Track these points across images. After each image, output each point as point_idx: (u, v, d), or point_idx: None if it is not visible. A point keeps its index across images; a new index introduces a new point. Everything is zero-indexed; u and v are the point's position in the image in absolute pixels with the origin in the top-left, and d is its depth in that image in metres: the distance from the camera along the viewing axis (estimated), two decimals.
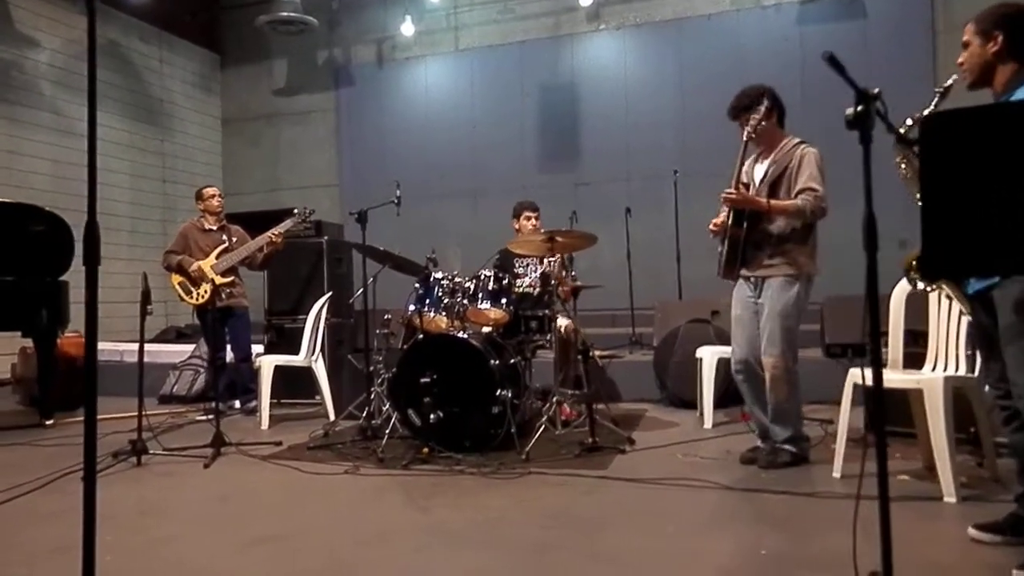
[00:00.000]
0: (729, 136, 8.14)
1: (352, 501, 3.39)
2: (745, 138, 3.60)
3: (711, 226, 3.79)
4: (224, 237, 5.77)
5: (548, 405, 4.51)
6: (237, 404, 5.84)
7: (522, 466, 3.78)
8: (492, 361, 4.13)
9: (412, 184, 5.00)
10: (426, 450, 3.97)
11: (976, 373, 3.18)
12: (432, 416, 4.06)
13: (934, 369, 3.37)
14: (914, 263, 2.66)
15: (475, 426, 4.11)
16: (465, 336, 4.25)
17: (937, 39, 8.07)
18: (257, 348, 6.35)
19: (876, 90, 1.84)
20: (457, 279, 4.47)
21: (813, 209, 3.53)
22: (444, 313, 4.46)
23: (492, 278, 4.46)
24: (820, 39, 8.13)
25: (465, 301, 4.43)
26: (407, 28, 9.42)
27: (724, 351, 4.90)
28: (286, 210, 6.50)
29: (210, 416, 5.45)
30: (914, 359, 3.58)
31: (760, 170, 3.73)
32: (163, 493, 3.61)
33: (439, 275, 4.51)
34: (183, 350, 6.91)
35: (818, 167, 3.58)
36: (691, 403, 5.29)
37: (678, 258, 7.16)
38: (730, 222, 3.62)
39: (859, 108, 1.84)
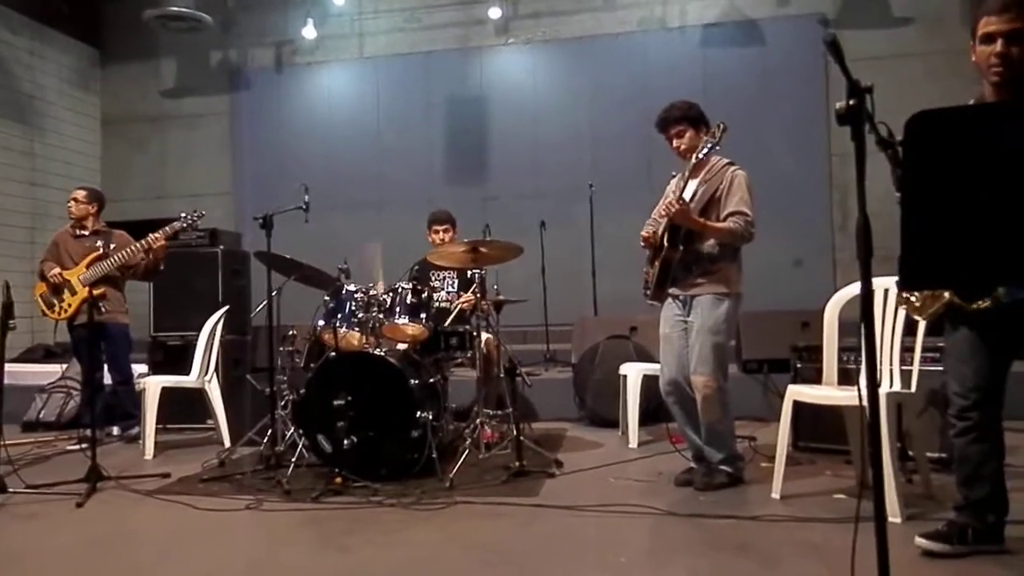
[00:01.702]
0: (638, 154, 8.35)
1: (257, 542, 3.00)
2: (699, 155, 3.45)
3: (643, 235, 3.65)
4: (98, 244, 5.07)
5: (470, 427, 4.23)
6: (116, 431, 5.24)
7: (446, 495, 3.48)
8: (412, 380, 3.82)
9: (313, 193, 4.64)
10: (339, 480, 3.60)
11: (913, 388, 3.15)
12: (346, 442, 3.70)
13: None
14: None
15: (392, 452, 3.78)
16: (382, 354, 3.92)
17: (829, 68, 8.37)
18: (140, 368, 5.76)
19: (869, 83, 1.71)
20: (372, 292, 4.13)
21: (743, 233, 3.45)
22: (358, 329, 4.11)
23: (411, 291, 4.15)
24: (722, 62, 8.33)
25: (381, 316, 4.10)
26: (309, 32, 8.97)
27: (648, 368, 4.78)
28: (172, 219, 5.95)
29: (84, 445, 4.86)
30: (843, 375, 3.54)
31: (689, 189, 3.61)
32: (26, 540, 3.08)
33: (352, 287, 4.17)
34: (51, 371, 6.18)
35: (748, 190, 3.50)
36: (611, 421, 5.14)
37: (593, 274, 7.05)
38: (665, 243, 3.48)
39: (851, 102, 1.69)
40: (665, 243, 3.47)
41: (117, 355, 5.20)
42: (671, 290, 3.59)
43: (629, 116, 8.67)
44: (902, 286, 2.54)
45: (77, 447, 4.84)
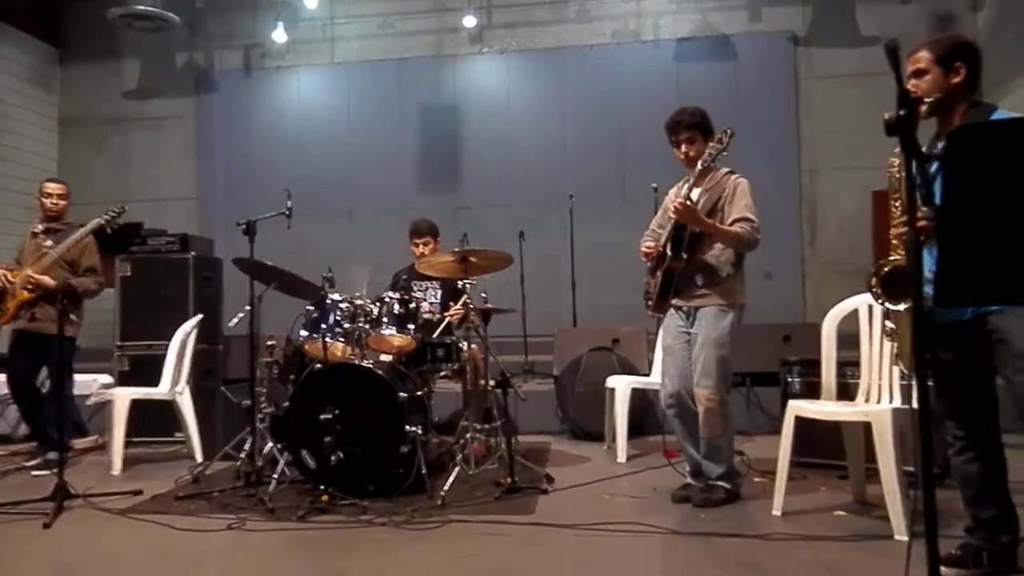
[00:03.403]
0: (612, 165, 8.35)
1: (244, 566, 2.83)
2: (703, 163, 3.41)
3: (644, 249, 3.58)
4: (49, 243, 4.65)
5: (459, 442, 4.11)
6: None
7: (438, 513, 3.36)
8: (400, 393, 3.70)
9: (281, 199, 4.48)
10: (325, 497, 3.45)
11: (914, 403, 3.13)
12: (333, 457, 3.55)
13: (867, 400, 3.30)
14: (876, 280, 2.51)
15: (380, 468, 3.64)
16: (369, 365, 3.78)
17: (800, 84, 8.49)
18: (104, 378, 5.52)
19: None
20: (359, 302, 4.00)
21: (749, 239, 3.41)
22: (343, 339, 3.96)
23: (398, 301, 4.03)
24: (695, 76, 8.37)
25: (367, 326, 3.96)
26: (279, 35, 8.77)
27: (636, 381, 4.73)
28: (135, 224, 5.71)
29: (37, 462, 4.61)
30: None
31: (692, 197, 3.56)
32: None
33: (337, 297, 4.02)
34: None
35: (751, 198, 3.47)
36: (595, 435, 5.07)
37: (573, 285, 7.00)
38: (669, 253, 3.42)
39: (901, 112, 1.65)
40: (668, 252, 3.41)
41: (46, 367, 4.72)
42: (674, 301, 3.53)
43: (603, 127, 8.70)
44: (939, 302, 2.51)
45: (32, 466, 4.57)
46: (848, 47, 8.28)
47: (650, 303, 3.60)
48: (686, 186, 3.52)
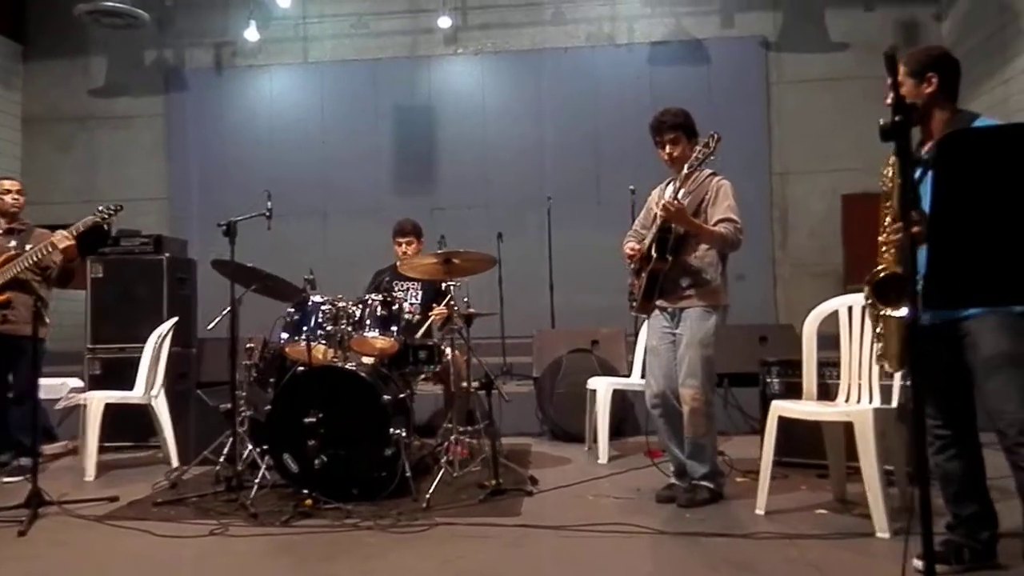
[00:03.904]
0: (587, 166, 8.39)
1: (229, 571, 2.79)
2: (690, 166, 3.42)
3: (628, 250, 3.61)
4: (12, 243, 4.51)
5: (443, 444, 4.09)
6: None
7: (424, 516, 3.34)
8: (384, 396, 3.68)
9: (257, 199, 4.42)
10: (309, 502, 3.41)
11: (894, 403, 3.20)
12: (316, 461, 3.51)
13: (847, 400, 3.36)
14: (868, 290, 2.56)
15: (364, 471, 3.61)
16: (353, 368, 3.76)
17: (771, 88, 8.62)
18: (73, 382, 5.40)
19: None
20: (341, 304, 3.96)
21: (733, 239, 3.45)
22: (325, 342, 3.92)
23: (380, 303, 4.00)
24: (668, 80, 8.45)
25: (350, 328, 3.93)
26: (251, 34, 8.66)
27: (617, 382, 4.76)
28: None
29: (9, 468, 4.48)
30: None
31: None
32: None
33: (319, 299, 3.98)
34: None
35: (734, 199, 3.51)
36: (576, 436, 5.09)
37: (551, 286, 7.02)
38: (654, 254, 3.44)
39: (897, 118, 1.68)
40: (653, 253, 3.43)
41: (15, 369, 4.51)
42: (658, 302, 3.56)
43: (578, 129, 8.74)
44: (928, 304, 2.56)
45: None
46: (818, 52, 8.43)
47: (634, 304, 3.63)
48: (670, 187, 3.55)
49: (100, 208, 4.47)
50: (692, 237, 3.47)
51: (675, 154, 3.53)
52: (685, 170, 3.41)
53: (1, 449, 4.58)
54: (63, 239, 4.35)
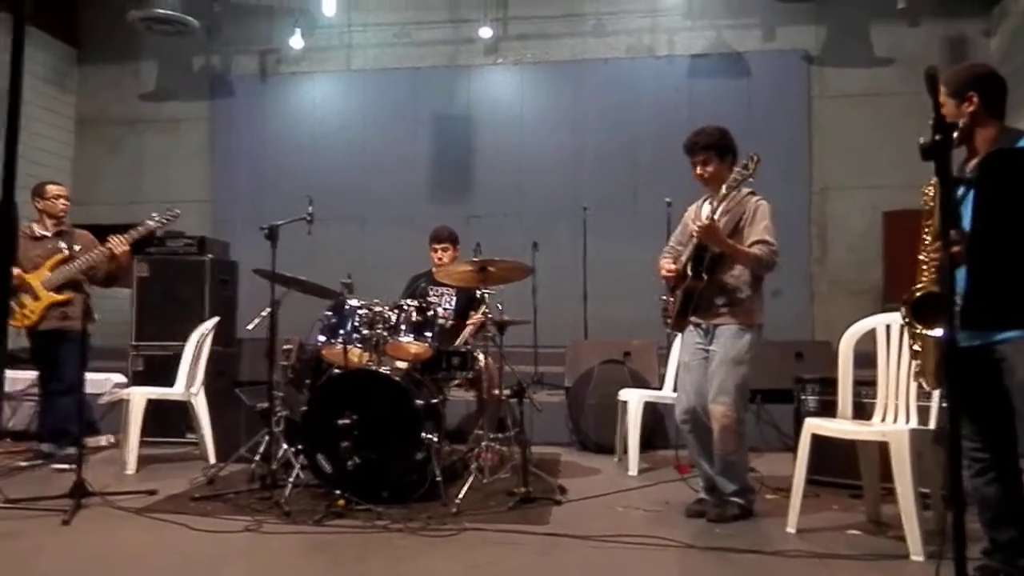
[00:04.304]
0: (624, 178, 8.39)
1: (265, 567, 2.86)
2: (729, 185, 3.41)
3: (664, 271, 3.61)
4: (62, 245, 4.71)
5: (473, 450, 4.13)
6: (45, 448, 4.77)
7: (453, 520, 3.37)
8: (417, 400, 3.73)
9: (296, 205, 4.53)
10: (342, 502, 3.47)
11: (932, 424, 3.16)
12: (349, 462, 3.57)
13: (883, 420, 3.32)
14: (905, 309, 2.54)
15: (395, 474, 3.66)
16: (387, 372, 3.81)
17: (812, 103, 8.54)
18: (117, 377, 5.55)
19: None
20: (377, 308, 4.03)
21: (768, 260, 3.43)
22: (360, 346, 3.99)
23: (416, 309, 4.06)
24: (708, 93, 8.42)
25: (385, 333, 3.99)
26: (296, 41, 8.83)
27: (648, 395, 4.76)
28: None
29: (38, 461, 4.63)
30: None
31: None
32: (10, 562, 2.89)
33: (355, 303, 4.05)
34: (21, 377, 5.88)
35: (771, 220, 3.50)
36: (606, 447, 5.09)
37: (585, 296, 7.03)
38: (689, 273, 3.44)
39: (937, 137, 1.68)
40: (689, 272, 3.43)
41: (66, 364, 4.69)
42: (692, 318, 3.56)
43: (615, 141, 8.75)
44: (966, 325, 2.54)
45: (28, 463, 4.60)
46: (861, 67, 8.33)
47: (669, 321, 3.62)
48: (707, 205, 3.55)
49: (155, 215, 4.67)
50: (728, 256, 3.46)
51: (706, 175, 3.54)
52: (723, 190, 3.40)
53: (44, 439, 4.75)
54: (119, 244, 4.54)
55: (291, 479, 3.72)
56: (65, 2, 9.20)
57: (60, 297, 4.60)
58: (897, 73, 8.13)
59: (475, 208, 8.74)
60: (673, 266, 3.58)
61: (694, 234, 3.43)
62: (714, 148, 3.52)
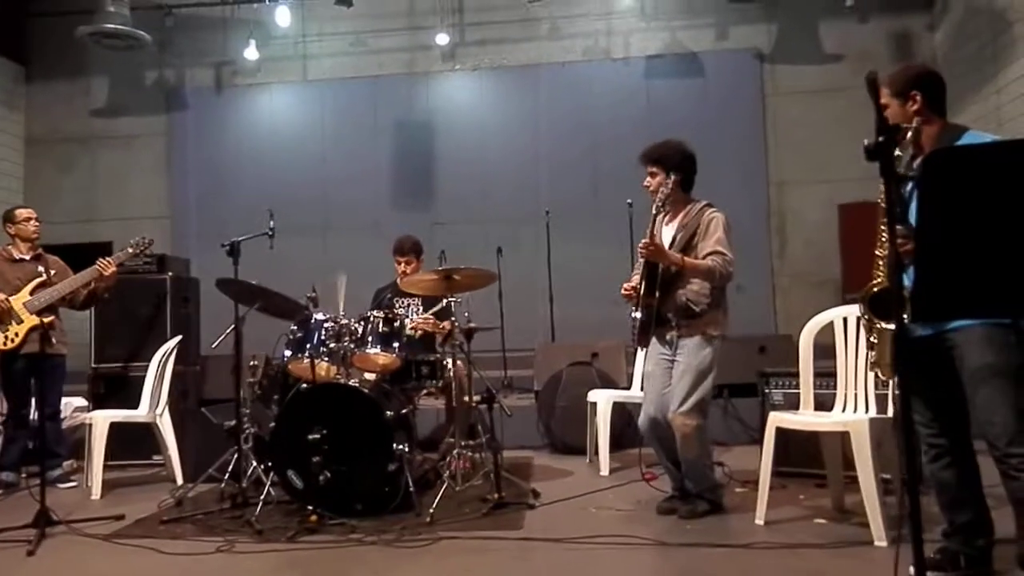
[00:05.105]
0: (584, 181, 8.45)
1: None
2: (657, 204, 3.51)
3: (624, 289, 3.65)
4: (40, 269, 4.68)
5: (445, 458, 4.13)
6: (4, 478, 4.68)
7: (428, 530, 3.38)
8: (387, 412, 3.72)
9: (259, 218, 4.51)
10: (314, 518, 3.45)
11: (890, 413, 3.24)
12: (321, 477, 3.55)
13: (844, 410, 3.40)
14: (863, 307, 2.62)
15: (368, 486, 3.65)
16: (356, 384, 3.80)
17: (766, 100, 8.70)
18: (78, 401, 5.44)
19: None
20: (343, 321, 4.01)
21: (721, 272, 3.48)
22: (328, 359, 3.97)
23: (383, 319, 4.05)
24: (665, 93, 8.54)
25: (352, 345, 3.98)
26: (251, 53, 8.75)
27: (617, 395, 4.80)
28: (103, 243, 5.69)
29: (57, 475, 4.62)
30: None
31: (668, 233, 3.64)
32: None
33: (321, 316, 4.03)
34: None
35: (724, 231, 3.54)
36: (577, 448, 5.13)
37: (551, 299, 7.07)
38: (643, 291, 3.49)
39: (880, 139, 1.74)
40: (643, 290, 3.47)
41: (52, 388, 4.74)
42: (657, 330, 3.58)
43: (576, 144, 8.81)
44: (915, 317, 2.61)
45: None
46: (812, 63, 8.51)
47: (634, 338, 3.65)
48: (653, 222, 3.59)
49: (133, 240, 4.76)
50: (681, 271, 3.50)
51: (650, 187, 3.59)
52: (654, 208, 3.49)
53: (18, 467, 4.71)
54: (108, 265, 4.62)
55: (262, 497, 3.69)
56: (11, 19, 9.00)
57: (44, 320, 4.52)
58: (847, 68, 8.31)
59: (439, 215, 8.75)
60: (629, 284, 3.63)
61: (640, 254, 3.49)
62: (659, 162, 3.56)
